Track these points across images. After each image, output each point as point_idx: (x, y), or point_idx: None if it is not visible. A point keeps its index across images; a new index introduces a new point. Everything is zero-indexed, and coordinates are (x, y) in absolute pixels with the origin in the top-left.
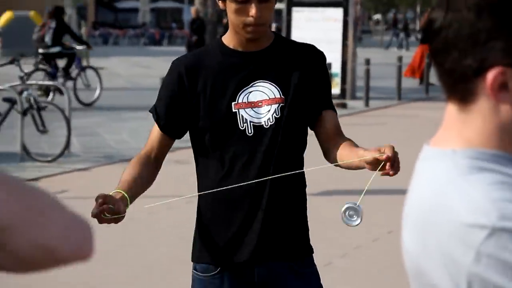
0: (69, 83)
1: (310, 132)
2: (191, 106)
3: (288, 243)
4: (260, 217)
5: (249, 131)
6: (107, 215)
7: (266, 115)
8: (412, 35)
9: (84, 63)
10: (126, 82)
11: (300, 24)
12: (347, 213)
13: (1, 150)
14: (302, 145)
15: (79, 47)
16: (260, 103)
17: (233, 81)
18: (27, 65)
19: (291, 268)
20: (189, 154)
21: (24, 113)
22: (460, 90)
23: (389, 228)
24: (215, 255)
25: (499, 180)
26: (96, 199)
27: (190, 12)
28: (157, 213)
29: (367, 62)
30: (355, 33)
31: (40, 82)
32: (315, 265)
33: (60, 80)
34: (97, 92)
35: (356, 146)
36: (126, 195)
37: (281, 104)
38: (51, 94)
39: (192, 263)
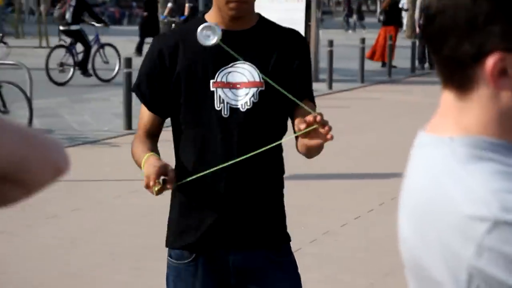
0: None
1: None
2: (172, 84)
3: (264, 230)
4: (235, 202)
5: (225, 112)
6: (159, 184)
7: (244, 98)
8: (366, 18)
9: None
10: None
11: (262, 4)
12: (203, 32)
13: None
14: (280, 131)
15: (97, 25)
16: (238, 85)
17: (213, 60)
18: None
19: (267, 256)
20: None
21: None
22: (458, 77)
23: (355, 213)
24: (188, 240)
25: (499, 170)
26: (152, 175)
27: None
28: (125, 198)
29: (330, 43)
30: (318, 14)
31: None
32: (292, 253)
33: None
34: (116, 68)
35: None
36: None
37: (260, 89)
38: (70, 71)
39: (166, 249)
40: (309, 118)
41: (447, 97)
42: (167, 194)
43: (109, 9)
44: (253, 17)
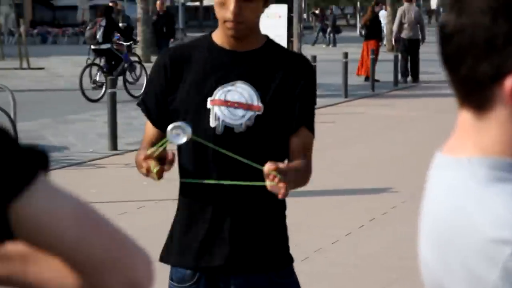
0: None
1: None
2: (173, 99)
3: (266, 253)
4: (233, 224)
5: (219, 130)
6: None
7: (239, 120)
8: (342, 31)
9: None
10: (69, 83)
11: None
12: (173, 131)
13: None
14: (274, 157)
15: (125, 43)
16: (236, 104)
17: (214, 77)
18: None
19: (270, 278)
20: None
21: None
22: (476, 97)
23: (346, 229)
24: (190, 260)
25: None
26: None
27: (131, 10)
28: (113, 220)
29: (314, 59)
30: (300, 29)
31: None
32: (294, 274)
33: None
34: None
35: (295, 167)
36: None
37: (257, 113)
38: (103, 88)
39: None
40: (268, 170)
41: (465, 117)
42: (152, 215)
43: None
44: (259, 38)
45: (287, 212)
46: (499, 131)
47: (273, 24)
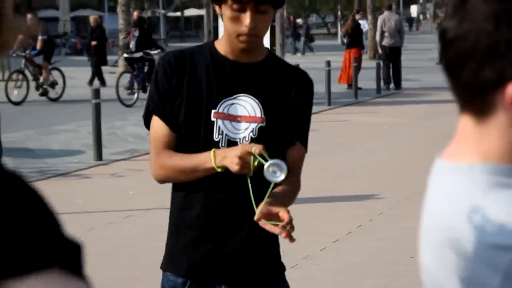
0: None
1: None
2: (176, 105)
3: (259, 261)
4: (229, 233)
5: (223, 144)
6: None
7: (243, 132)
8: (315, 40)
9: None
10: (52, 93)
11: None
12: (270, 169)
13: None
14: None
15: (154, 52)
16: (239, 118)
17: (217, 89)
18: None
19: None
20: (125, 166)
21: None
22: (477, 103)
23: (334, 236)
24: (182, 267)
25: None
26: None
27: (112, 20)
28: (99, 231)
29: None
30: (283, 38)
31: None
32: (286, 282)
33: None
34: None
35: (283, 197)
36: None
37: (260, 124)
38: (135, 95)
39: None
40: (280, 213)
41: (465, 123)
42: (140, 224)
43: (70, 40)
44: (262, 50)
45: None
46: (500, 136)
47: None
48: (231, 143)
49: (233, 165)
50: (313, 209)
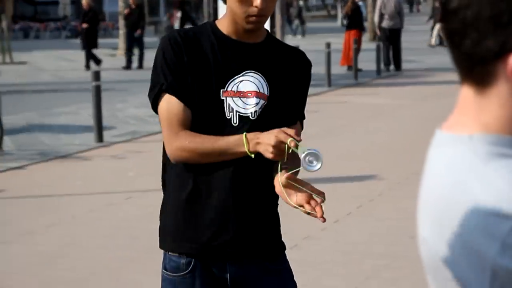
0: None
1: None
2: (188, 82)
3: (261, 240)
4: (233, 212)
5: (235, 121)
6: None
7: (254, 107)
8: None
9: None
10: (52, 77)
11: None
12: (306, 159)
13: None
14: None
15: None
16: (249, 94)
17: (224, 68)
18: None
19: (264, 265)
20: (125, 148)
21: None
22: (478, 72)
23: (334, 217)
24: (187, 248)
25: None
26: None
27: (111, 3)
28: (99, 212)
29: None
30: (283, 21)
31: None
32: (287, 261)
33: None
34: None
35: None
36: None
37: (265, 102)
38: None
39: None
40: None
41: (466, 93)
42: (140, 205)
43: (70, 23)
44: (263, 31)
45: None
46: (500, 107)
47: None
48: (243, 118)
49: (268, 153)
50: None
